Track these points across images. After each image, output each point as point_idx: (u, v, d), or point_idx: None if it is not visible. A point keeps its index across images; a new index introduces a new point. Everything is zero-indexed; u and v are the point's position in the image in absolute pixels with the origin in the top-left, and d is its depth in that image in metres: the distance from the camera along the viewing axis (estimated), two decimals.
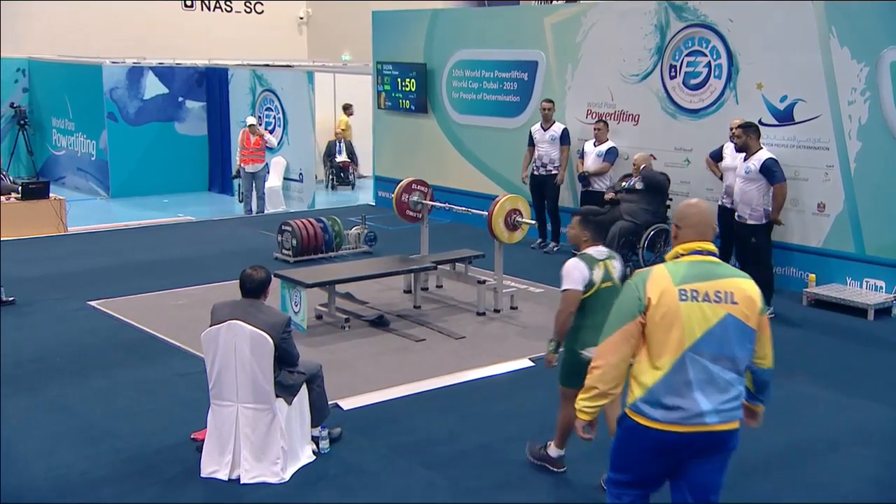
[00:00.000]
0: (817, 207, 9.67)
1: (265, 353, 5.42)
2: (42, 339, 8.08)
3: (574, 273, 5.24)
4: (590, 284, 5.23)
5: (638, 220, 10.21)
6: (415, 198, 9.79)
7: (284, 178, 16.40)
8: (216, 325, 5.50)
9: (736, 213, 9.13)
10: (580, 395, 3.97)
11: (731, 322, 3.75)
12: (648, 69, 11.01)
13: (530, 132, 11.75)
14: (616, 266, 5.39)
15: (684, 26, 10.63)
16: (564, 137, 11.54)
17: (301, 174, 16.19)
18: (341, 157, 18.80)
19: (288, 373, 5.63)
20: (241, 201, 15.58)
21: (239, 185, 15.62)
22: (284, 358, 5.60)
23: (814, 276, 9.66)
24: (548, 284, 9.92)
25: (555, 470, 5.58)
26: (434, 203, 9.98)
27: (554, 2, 15.30)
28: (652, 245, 10.34)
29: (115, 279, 10.15)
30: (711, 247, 3.89)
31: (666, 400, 3.74)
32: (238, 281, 5.62)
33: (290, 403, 5.62)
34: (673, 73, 10.79)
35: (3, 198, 13.41)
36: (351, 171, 18.80)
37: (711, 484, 3.87)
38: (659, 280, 3.79)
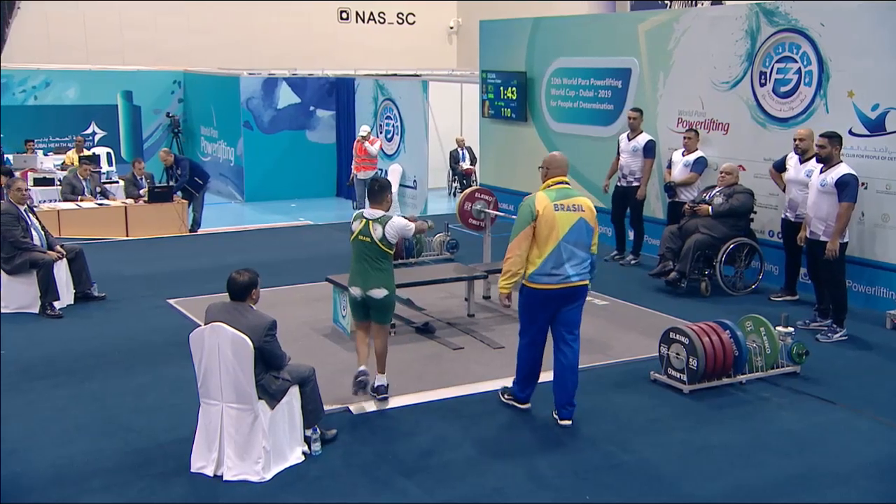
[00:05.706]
0: None
1: (245, 356, 5.63)
2: (110, 335, 8.64)
3: None
4: (350, 233, 6.63)
5: (715, 233, 9.81)
6: (478, 206, 9.82)
7: (400, 185, 16.74)
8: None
9: (808, 230, 8.64)
10: (500, 278, 6.32)
11: (582, 223, 6.28)
12: (739, 76, 10.56)
13: (618, 140, 11.51)
14: (378, 228, 6.52)
15: (775, 31, 10.14)
16: (648, 150, 11.09)
17: (415, 181, 16.49)
18: (465, 165, 19.01)
19: (273, 377, 5.81)
20: (354, 208, 16.04)
21: (354, 191, 16.12)
22: (269, 360, 5.79)
23: None
24: (614, 297, 9.73)
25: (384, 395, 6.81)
26: (497, 212, 9.97)
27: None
28: (731, 259, 9.89)
29: (204, 279, 10.66)
30: (566, 178, 6.40)
31: (549, 271, 6.24)
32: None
33: (272, 408, 5.80)
34: (763, 81, 10.30)
35: (131, 200, 14.42)
36: (474, 178, 18.96)
37: (574, 320, 6.42)
38: (542, 200, 6.23)
